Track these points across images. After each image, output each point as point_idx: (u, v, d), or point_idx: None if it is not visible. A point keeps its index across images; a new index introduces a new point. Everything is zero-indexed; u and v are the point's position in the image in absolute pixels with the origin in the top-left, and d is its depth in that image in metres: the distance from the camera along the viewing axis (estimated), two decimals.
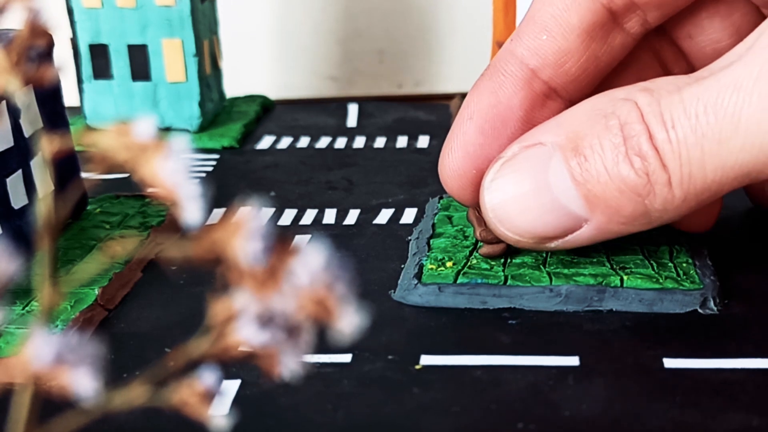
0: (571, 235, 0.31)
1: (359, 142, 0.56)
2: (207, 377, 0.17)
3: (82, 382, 0.15)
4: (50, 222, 0.16)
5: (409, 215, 0.43)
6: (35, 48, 0.18)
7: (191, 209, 0.16)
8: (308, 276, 0.16)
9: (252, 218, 0.16)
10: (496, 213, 0.32)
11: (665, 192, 0.28)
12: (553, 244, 0.32)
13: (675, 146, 0.27)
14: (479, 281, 0.34)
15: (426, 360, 0.31)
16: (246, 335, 0.16)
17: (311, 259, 0.16)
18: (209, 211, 0.16)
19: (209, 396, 0.16)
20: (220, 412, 0.15)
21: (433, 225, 0.40)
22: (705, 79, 0.28)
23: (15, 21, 0.19)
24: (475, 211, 0.36)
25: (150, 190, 0.16)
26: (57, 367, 0.15)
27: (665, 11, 0.33)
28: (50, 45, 0.37)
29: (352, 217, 0.43)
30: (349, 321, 0.16)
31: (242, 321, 0.16)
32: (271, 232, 0.16)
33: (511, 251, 0.36)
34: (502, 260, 0.36)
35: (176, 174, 0.16)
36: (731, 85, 0.27)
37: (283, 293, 0.16)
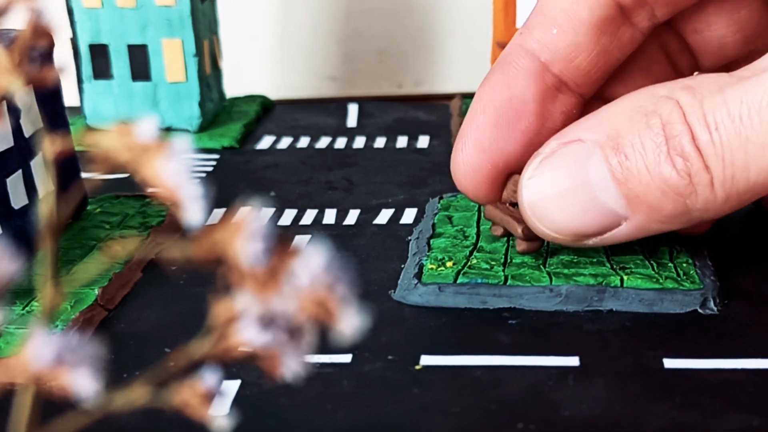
0: (610, 233, 0.31)
1: (359, 142, 0.56)
2: (208, 378, 0.17)
3: (83, 383, 0.15)
4: (52, 222, 0.16)
5: (409, 215, 0.43)
6: (37, 48, 0.18)
7: (192, 210, 0.16)
8: (309, 277, 0.16)
9: (253, 219, 0.16)
10: (535, 211, 0.32)
11: (707, 193, 0.28)
12: (591, 241, 0.32)
13: (718, 148, 0.27)
14: (479, 281, 0.34)
15: (426, 360, 0.31)
16: (247, 336, 0.16)
17: (312, 260, 0.16)
18: (209, 211, 0.16)
19: (210, 397, 0.16)
20: (221, 412, 0.15)
21: (433, 225, 0.40)
22: (747, 80, 0.27)
23: (17, 21, 0.19)
24: (509, 208, 0.36)
25: (151, 190, 0.16)
26: (57, 367, 0.15)
27: (674, 8, 0.33)
28: (51, 45, 0.37)
29: (352, 217, 0.44)
30: (350, 322, 0.16)
31: (244, 322, 0.16)
32: (271, 232, 0.16)
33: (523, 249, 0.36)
34: (503, 260, 0.36)
35: (178, 174, 0.16)
36: None
37: (284, 294, 0.16)
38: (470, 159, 0.34)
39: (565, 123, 0.34)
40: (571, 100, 0.34)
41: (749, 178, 0.27)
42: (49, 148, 0.17)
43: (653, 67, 0.36)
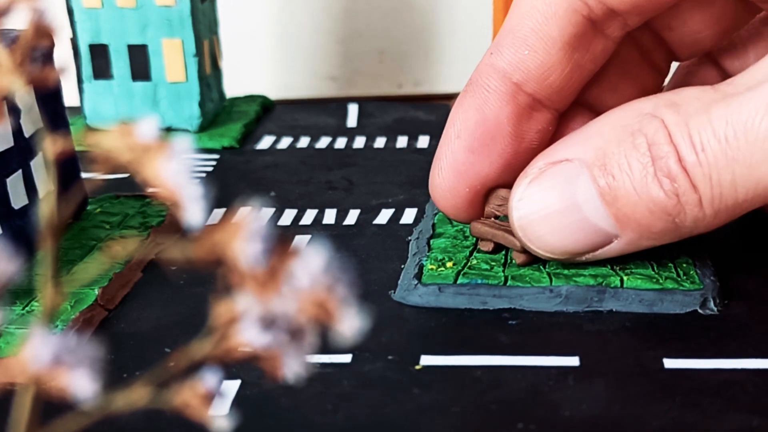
0: (602, 250, 0.31)
1: (359, 142, 0.56)
2: (209, 379, 0.16)
3: (82, 383, 0.15)
4: (52, 222, 0.16)
5: (409, 215, 0.43)
6: (39, 48, 0.18)
7: (193, 210, 0.16)
8: (309, 278, 0.16)
9: (253, 220, 0.16)
10: (526, 232, 0.32)
11: (696, 211, 0.28)
12: (584, 258, 0.32)
13: (705, 169, 0.27)
14: (479, 281, 0.34)
15: (426, 360, 0.31)
16: (248, 337, 0.16)
17: (312, 261, 0.16)
18: (209, 212, 0.16)
19: (211, 398, 0.16)
20: (221, 413, 0.15)
21: (433, 225, 0.40)
22: (732, 98, 0.27)
23: (18, 21, 0.19)
24: (497, 222, 0.36)
25: (152, 190, 0.16)
26: (56, 368, 0.15)
27: (646, 16, 0.33)
28: (52, 45, 0.37)
29: (352, 217, 0.44)
30: (350, 323, 0.16)
31: (245, 323, 0.16)
32: (271, 233, 0.16)
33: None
34: (503, 261, 0.36)
35: (178, 175, 0.16)
36: (762, 108, 0.26)
37: (284, 295, 0.16)
38: (447, 183, 0.34)
39: (542, 140, 0.34)
40: (546, 117, 0.34)
41: (737, 196, 0.28)
42: (49, 148, 0.17)
43: (629, 67, 0.36)
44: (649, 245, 0.31)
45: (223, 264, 0.16)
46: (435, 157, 0.35)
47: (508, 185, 0.34)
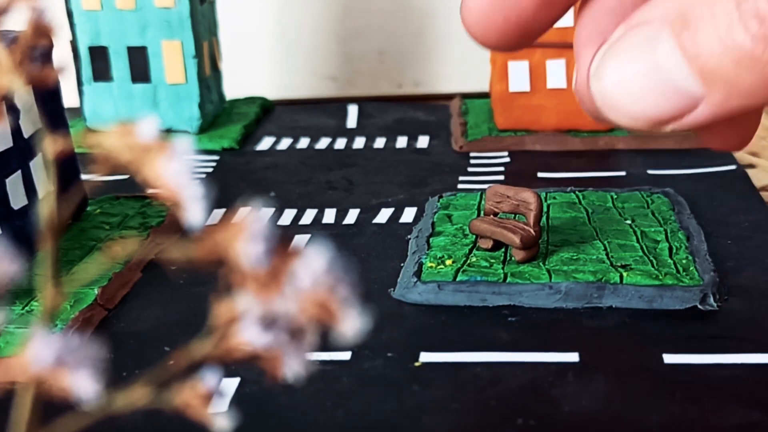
0: (688, 117, 0.30)
1: (359, 142, 0.56)
2: (209, 379, 0.16)
3: (83, 384, 0.15)
4: (52, 223, 0.16)
5: (408, 214, 0.43)
6: (39, 48, 0.18)
7: (194, 210, 0.16)
8: (310, 278, 0.16)
9: (254, 220, 0.16)
10: (606, 101, 0.30)
11: None
12: (669, 127, 0.31)
13: None
14: (479, 279, 0.34)
15: (425, 357, 0.31)
16: (249, 337, 0.16)
17: (314, 262, 0.16)
18: (209, 212, 0.16)
19: (212, 397, 0.16)
20: (221, 412, 0.15)
21: (433, 224, 0.40)
22: None
23: (18, 22, 0.19)
24: (497, 220, 0.36)
25: (152, 190, 0.16)
26: (58, 369, 0.15)
27: None
28: (51, 45, 0.37)
29: (352, 216, 0.44)
30: (351, 323, 0.16)
31: (245, 323, 0.16)
32: (273, 234, 0.16)
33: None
34: (502, 258, 0.36)
35: (179, 175, 0.16)
36: None
37: (286, 295, 0.16)
38: (482, 7, 0.32)
39: None
40: None
41: None
42: (49, 148, 0.17)
43: None
44: (739, 108, 0.29)
45: (225, 264, 0.16)
46: None
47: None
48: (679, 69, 0.29)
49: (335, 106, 0.63)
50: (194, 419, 0.17)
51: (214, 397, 0.17)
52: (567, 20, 0.52)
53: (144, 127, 0.16)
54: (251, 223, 0.16)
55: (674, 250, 0.36)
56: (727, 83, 0.28)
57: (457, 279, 0.35)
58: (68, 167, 0.41)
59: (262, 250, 0.15)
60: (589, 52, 0.32)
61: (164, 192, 0.16)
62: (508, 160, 0.51)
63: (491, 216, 0.37)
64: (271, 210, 0.45)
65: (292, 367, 0.16)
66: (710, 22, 0.27)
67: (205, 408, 0.16)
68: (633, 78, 0.29)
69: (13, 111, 0.36)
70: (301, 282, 0.16)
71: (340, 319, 0.16)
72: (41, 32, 0.18)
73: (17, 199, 0.36)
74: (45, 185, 0.37)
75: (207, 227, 0.16)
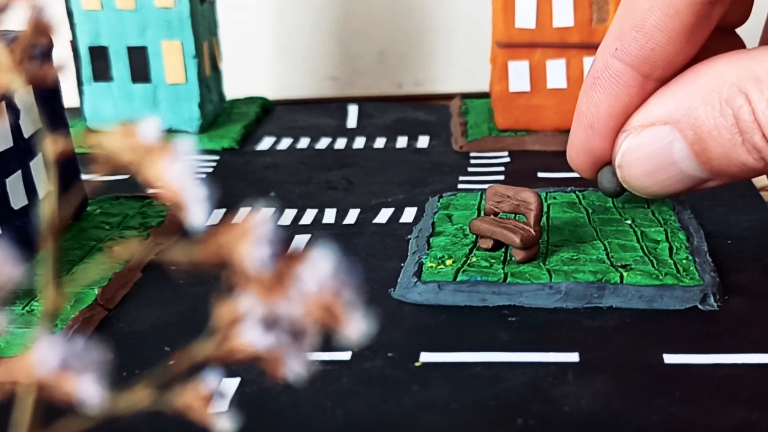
0: (700, 187, 0.36)
1: (359, 142, 0.56)
2: (211, 380, 0.16)
3: (87, 389, 0.15)
4: (53, 223, 0.16)
5: (408, 214, 0.43)
6: (38, 46, 0.18)
7: (196, 212, 0.15)
8: (316, 282, 0.16)
9: (259, 223, 0.15)
10: (633, 186, 0.37)
11: None
12: (683, 195, 0.38)
13: None
14: (479, 279, 0.34)
15: (425, 357, 0.31)
16: (251, 338, 0.16)
17: (318, 266, 0.16)
18: (210, 212, 0.16)
19: (213, 399, 0.16)
20: (223, 414, 0.15)
21: (433, 223, 0.40)
22: None
23: (17, 21, 0.19)
24: (497, 220, 0.36)
25: (154, 191, 0.16)
26: (62, 373, 0.15)
27: None
28: (50, 44, 0.37)
29: (352, 216, 0.44)
30: (356, 327, 0.16)
31: (247, 324, 0.16)
32: (277, 237, 0.16)
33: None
34: (502, 258, 0.36)
35: (182, 176, 0.15)
36: None
37: (290, 299, 0.16)
38: (581, 160, 0.39)
39: None
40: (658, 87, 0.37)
41: None
42: (49, 148, 0.16)
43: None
44: (742, 179, 0.35)
45: (228, 267, 0.16)
46: (570, 140, 0.39)
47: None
48: (693, 167, 0.35)
49: (335, 106, 0.63)
50: (196, 421, 0.17)
51: (216, 398, 0.17)
52: (567, 20, 0.52)
53: (145, 128, 0.16)
54: (255, 226, 0.16)
55: (674, 250, 0.36)
56: (733, 176, 0.34)
57: (458, 279, 0.35)
58: (68, 167, 0.41)
59: (266, 253, 0.15)
60: (602, 131, 0.37)
61: (166, 193, 0.16)
62: (508, 160, 0.51)
63: (491, 216, 0.37)
64: (272, 210, 0.45)
65: (294, 368, 0.16)
66: (718, 140, 0.33)
67: (207, 409, 0.16)
68: (655, 172, 0.36)
69: (13, 111, 0.36)
70: (306, 286, 0.16)
71: (344, 322, 0.16)
72: (41, 31, 0.18)
73: (17, 199, 0.36)
74: (45, 185, 0.37)
75: (210, 229, 0.16)
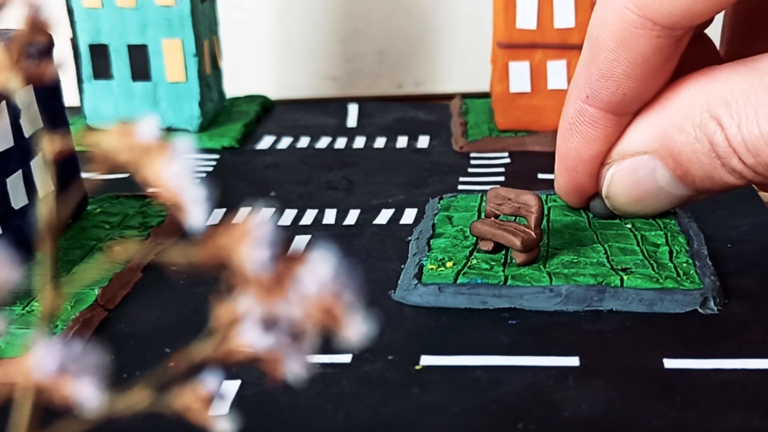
0: (692, 200, 0.37)
1: (359, 142, 0.56)
2: (210, 381, 0.16)
3: (86, 392, 0.15)
4: (51, 223, 0.16)
5: (409, 215, 0.43)
6: (36, 44, 0.18)
7: (195, 212, 0.15)
8: (316, 284, 0.16)
9: (258, 224, 0.15)
10: (625, 213, 0.39)
11: (764, 179, 0.33)
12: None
13: (763, 167, 0.32)
14: (479, 281, 0.34)
15: (426, 360, 0.31)
16: (250, 339, 0.16)
17: (319, 268, 0.16)
18: (210, 212, 0.16)
19: (212, 401, 0.16)
20: (222, 415, 0.15)
21: (433, 225, 0.40)
22: None
23: (15, 20, 0.19)
24: (498, 222, 0.36)
25: (153, 190, 0.16)
26: (60, 376, 0.15)
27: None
28: (49, 42, 0.37)
29: (352, 217, 0.43)
30: (356, 328, 0.16)
31: (246, 324, 0.16)
32: (277, 238, 0.15)
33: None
34: (502, 260, 0.36)
35: (180, 176, 0.15)
36: None
37: (290, 301, 0.16)
38: (570, 197, 0.40)
39: None
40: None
41: None
42: (48, 147, 0.16)
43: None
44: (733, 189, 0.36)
45: (227, 268, 0.16)
46: (556, 178, 0.39)
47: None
48: (679, 189, 0.36)
49: (335, 105, 0.63)
50: (195, 423, 0.17)
51: (215, 399, 0.17)
52: (568, 21, 0.52)
53: (144, 127, 0.16)
54: (255, 227, 0.16)
55: (674, 254, 0.36)
56: (722, 191, 0.35)
57: (458, 281, 0.35)
58: (68, 166, 0.41)
59: (266, 255, 0.15)
60: (586, 172, 0.38)
61: (165, 193, 0.16)
62: (508, 160, 0.51)
63: (492, 218, 0.37)
64: (272, 210, 0.45)
65: (293, 368, 0.16)
66: (698, 165, 0.33)
67: (206, 411, 0.16)
68: (641, 199, 0.37)
69: (14, 110, 0.36)
70: (306, 288, 0.15)
71: (344, 324, 0.16)
72: (38, 29, 0.18)
73: (17, 198, 0.36)
74: (45, 185, 0.37)
75: (209, 229, 0.16)
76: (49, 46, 0.37)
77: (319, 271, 0.16)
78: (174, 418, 0.17)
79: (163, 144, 0.16)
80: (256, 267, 0.15)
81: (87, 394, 0.15)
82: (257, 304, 0.16)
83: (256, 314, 0.16)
